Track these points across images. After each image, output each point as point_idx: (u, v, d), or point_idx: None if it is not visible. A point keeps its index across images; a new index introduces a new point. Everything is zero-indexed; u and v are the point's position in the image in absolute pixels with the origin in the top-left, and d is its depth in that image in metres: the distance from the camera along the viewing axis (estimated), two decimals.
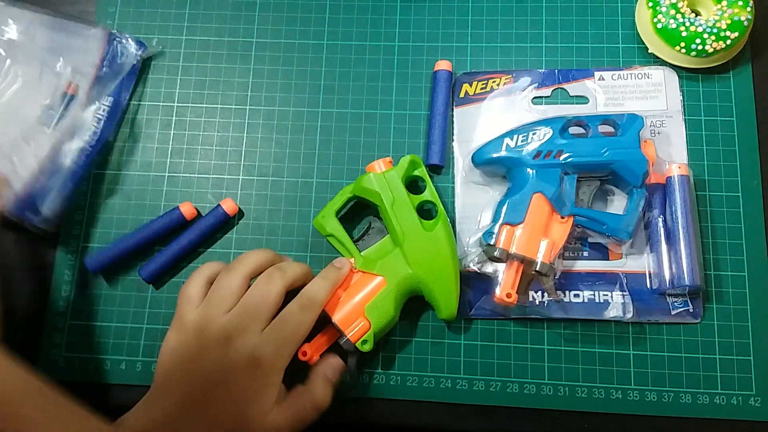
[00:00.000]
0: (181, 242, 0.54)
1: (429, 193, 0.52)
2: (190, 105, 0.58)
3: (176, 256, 0.54)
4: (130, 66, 0.57)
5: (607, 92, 0.56)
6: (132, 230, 0.54)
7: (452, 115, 0.57)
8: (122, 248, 0.54)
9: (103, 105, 0.56)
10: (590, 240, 0.53)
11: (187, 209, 0.54)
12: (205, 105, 0.58)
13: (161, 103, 0.58)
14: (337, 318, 0.49)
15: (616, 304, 0.51)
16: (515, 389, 0.51)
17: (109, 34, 0.58)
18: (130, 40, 0.58)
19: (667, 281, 0.50)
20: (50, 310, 0.54)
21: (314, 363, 0.49)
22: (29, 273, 0.55)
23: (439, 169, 0.55)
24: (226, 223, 0.55)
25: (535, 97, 0.56)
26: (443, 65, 0.56)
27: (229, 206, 0.54)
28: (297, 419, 0.45)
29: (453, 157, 0.56)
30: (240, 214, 0.56)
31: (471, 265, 0.51)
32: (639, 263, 0.52)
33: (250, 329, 0.45)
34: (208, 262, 0.50)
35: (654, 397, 0.50)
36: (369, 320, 0.49)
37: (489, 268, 0.51)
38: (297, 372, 0.47)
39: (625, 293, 0.51)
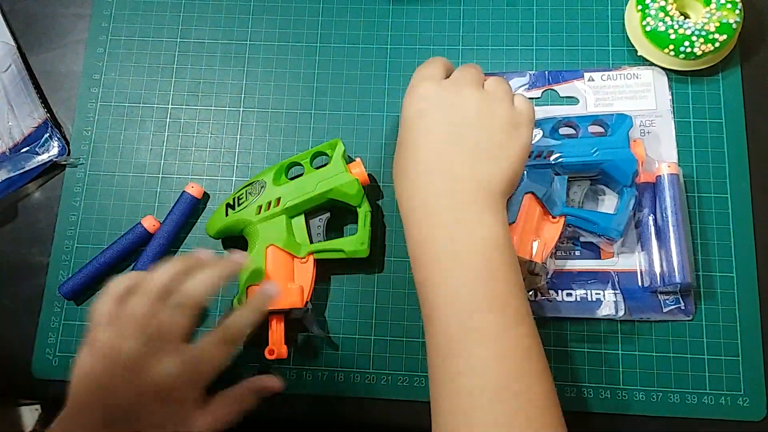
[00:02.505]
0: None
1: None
2: (184, 107, 0.59)
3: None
4: (40, 162, 0.57)
5: (596, 93, 0.56)
6: (103, 248, 0.55)
7: None
8: (91, 272, 0.54)
9: None
10: (582, 239, 0.53)
11: (149, 223, 0.55)
12: (199, 107, 0.59)
13: (155, 105, 0.59)
14: (272, 306, 0.49)
15: (609, 303, 0.51)
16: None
17: (45, 120, 0.58)
18: (56, 138, 0.57)
19: (659, 279, 0.51)
20: (44, 310, 0.55)
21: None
22: (23, 273, 0.56)
23: None
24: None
25: None
26: None
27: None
28: (223, 420, 0.45)
29: None
30: None
31: None
32: (630, 262, 0.53)
33: (160, 358, 0.42)
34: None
35: (642, 397, 0.51)
36: (297, 283, 0.51)
37: None
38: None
39: (617, 292, 0.52)
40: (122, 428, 0.41)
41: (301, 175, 0.53)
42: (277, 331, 0.51)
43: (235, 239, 0.54)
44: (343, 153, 0.52)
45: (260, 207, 0.52)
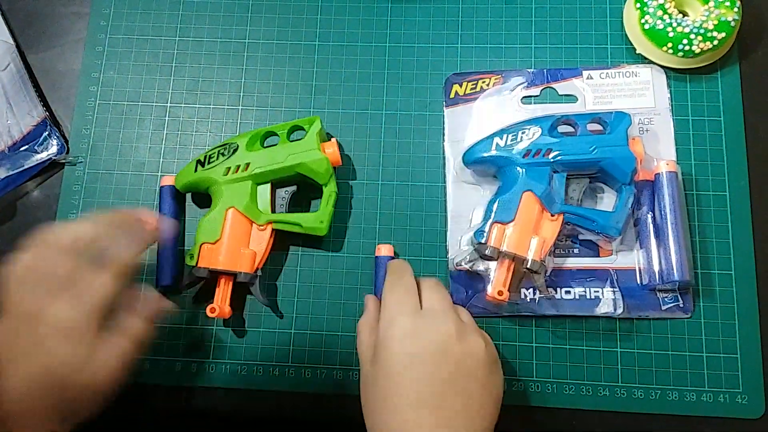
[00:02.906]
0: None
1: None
2: (182, 105, 0.59)
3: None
4: (38, 160, 0.57)
5: (595, 91, 0.56)
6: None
7: (443, 116, 0.57)
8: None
9: None
10: (581, 237, 0.53)
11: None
12: (197, 105, 0.59)
13: (154, 103, 0.59)
14: (221, 266, 0.51)
15: (607, 301, 0.51)
16: (504, 387, 0.51)
17: (44, 118, 0.58)
18: (55, 137, 0.58)
19: (657, 277, 0.51)
20: None
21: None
22: None
23: None
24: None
25: (524, 97, 0.57)
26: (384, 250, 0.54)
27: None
28: (117, 353, 0.43)
29: (444, 157, 0.56)
30: None
31: (463, 263, 0.52)
32: (629, 259, 0.53)
33: (44, 300, 0.41)
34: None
35: (641, 395, 0.51)
36: (250, 248, 0.52)
37: (480, 266, 0.52)
38: None
39: (615, 289, 0.52)
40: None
41: (275, 145, 0.54)
42: (223, 291, 0.52)
43: (202, 195, 0.55)
44: (319, 130, 0.53)
45: (228, 169, 0.53)
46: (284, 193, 0.54)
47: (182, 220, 0.56)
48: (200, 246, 0.52)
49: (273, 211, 0.53)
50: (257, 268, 0.52)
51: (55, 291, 0.42)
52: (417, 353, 0.44)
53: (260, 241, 0.53)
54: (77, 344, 0.42)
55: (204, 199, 0.55)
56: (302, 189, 0.55)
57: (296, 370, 0.53)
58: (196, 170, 0.53)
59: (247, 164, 0.53)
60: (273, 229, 0.53)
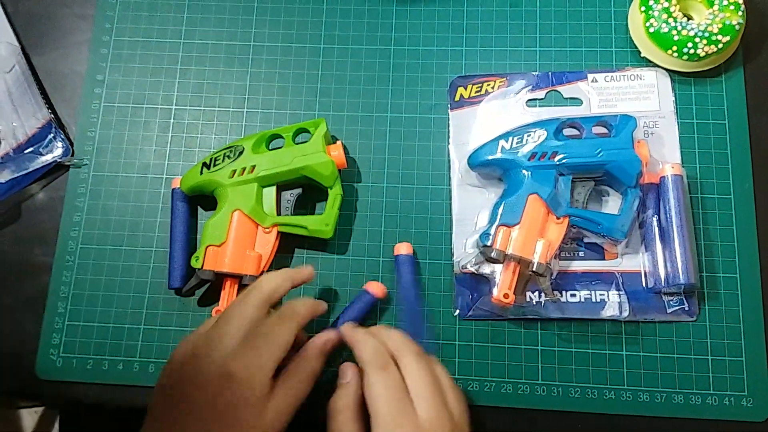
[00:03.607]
0: None
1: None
2: (188, 107, 0.59)
3: None
4: (43, 162, 0.57)
5: (600, 94, 0.56)
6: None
7: (448, 118, 0.57)
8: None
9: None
10: (586, 240, 0.53)
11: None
12: (202, 108, 0.59)
13: (159, 106, 0.59)
14: (227, 268, 0.51)
15: (613, 304, 0.52)
16: (509, 390, 0.52)
17: (49, 121, 0.58)
18: (60, 139, 0.57)
19: (663, 280, 0.51)
20: (48, 311, 0.55)
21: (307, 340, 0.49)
22: (28, 273, 0.56)
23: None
24: None
25: (529, 100, 0.57)
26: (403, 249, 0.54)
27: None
28: (290, 400, 0.44)
29: (449, 160, 0.56)
30: None
31: (468, 266, 0.52)
32: (634, 263, 0.53)
33: (223, 341, 0.43)
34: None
35: (647, 398, 0.51)
36: (255, 251, 0.52)
37: (486, 269, 0.52)
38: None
39: (621, 292, 0.52)
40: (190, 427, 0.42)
41: (281, 147, 0.54)
42: (228, 293, 0.52)
43: (207, 198, 0.55)
44: (324, 133, 0.53)
45: (234, 171, 0.53)
46: (289, 196, 0.54)
47: (194, 222, 0.56)
48: (206, 248, 0.52)
49: (278, 213, 0.53)
50: (263, 271, 0.52)
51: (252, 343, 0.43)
52: None
53: (266, 244, 0.53)
54: (257, 403, 0.42)
55: (208, 201, 0.55)
56: (307, 191, 0.55)
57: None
58: (201, 173, 0.53)
59: (253, 167, 0.53)
60: (278, 232, 0.53)
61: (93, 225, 0.56)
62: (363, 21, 0.60)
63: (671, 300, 0.52)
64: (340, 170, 0.54)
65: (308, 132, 0.54)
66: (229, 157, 0.53)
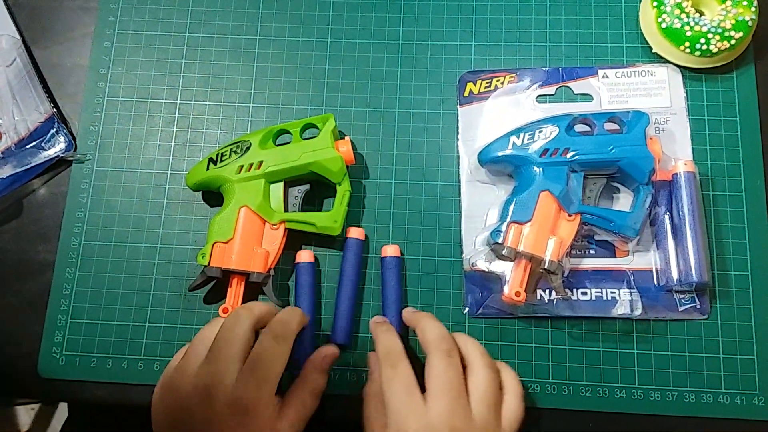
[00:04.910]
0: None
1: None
2: (192, 102, 0.58)
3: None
4: (46, 157, 0.56)
5: (611, 90, 0.56)
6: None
7: (457, 114, 0.56)
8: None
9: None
10: (597, 237, 0.53)
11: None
12: (208, 102, 0.58)
13: (164, 100, 0.58)
14: (234, 265, 0.51)
15: (624, 302, 0.51)
16: None
17: (51, 115, 0.57)
18: (62, 134, 0.57)
19: (675, 278, 0.50)
20: (50, 308, 0.54)
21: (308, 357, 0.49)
22: (30, 270, 0.55)
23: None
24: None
25: (539, 96, 0.56)
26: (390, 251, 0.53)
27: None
28: (300, 418, 0.45)
29: (458, 156, 0.56)
30: None
31: (478, 264, 0.51)
32: (646, 260, 0.52)
33: (226, 374, 0.42)
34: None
35: (658, 396, 0.50)
36: (263, 248, 0.51)
37: (496, 267, 0.51)
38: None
39: (632, 290, 0.51)
40: None
41: (288, 143, 0.53)
42: (235, 291, 0.52)
43: (212, 194, 0.55)
44: (333, 128, 0.53)
45: (241, 167, 0.52)
46: (297, 192, 0.53)
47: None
48: (212, 245, 0.51)
49: (286, 210, 0.53)
50: (270, 268, 0.52)
51: (256, 371, 0.43)
52: None
53: (273, 241, 0.52)
54: (263, 421, 0.42)
55: (214, 197, 0.55)
56: (314, 188, 0.54)
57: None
58: (208, 168, 0.53)
59: (260, 162, 0.52)
60: (286, 228, 0.52)
61: (96, 221, 0.55)
62: (371, 15, 0.59)
63: (683, 298, 0.51)
64: (348, 166, 0.53)
65: (316, 127, 0.54)
66: (235, 152, 0.52)
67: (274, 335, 0.44)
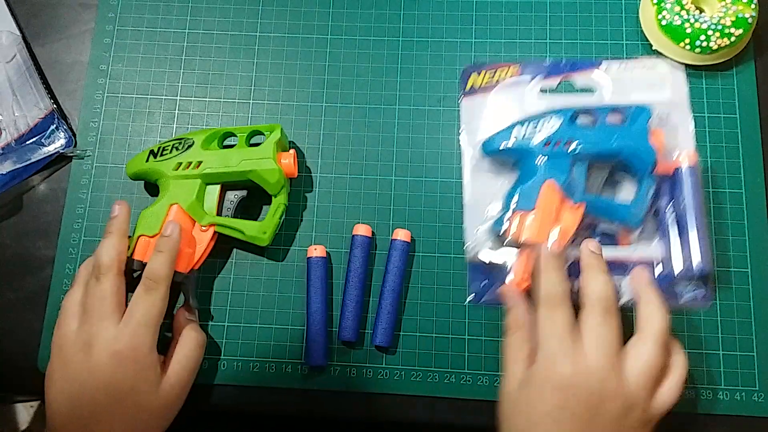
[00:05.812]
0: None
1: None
2: (192, 98, 0.58)
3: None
4: (46, 153, 0.56)
5: (613, 83, 0.56)
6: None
7: (458, 110, 0.56)
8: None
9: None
10: (599, 228, 0.53)
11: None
12: (207, 99, 0.58)
13: (164, 96, 0.58)
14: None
15: (626, 292, 0.51)
16: None
17: (51, 111, 0.57)
18: (62, 130, 0.57)
19: (677, 268, 0.50)
20: (50, 304, 0.54)
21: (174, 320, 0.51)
22: (30, 267, 0.55)
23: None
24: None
25: (542, 88, 0.56)
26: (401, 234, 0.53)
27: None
28: (187, 369, 0.48)
29: (459, 152, 0.56)
30: None
31: (480, 255, 0.51)
32: (648, 250, 0.52)
33: (101, 330, 0.45)
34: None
35: None
36: (188, 248, 0.51)
37: (499, 257, 0.51)
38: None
39: None
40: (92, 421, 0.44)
41: (232, 146, 0.53)
42: None
43: (156, 186, 0.54)
44: (277, 139, 0.52)
45: (179, 164, 0.52)
46: (233, 197, 0.53)
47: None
48: (138, 238, 0.50)
49: (219, 213, 0.52)
50: (192, 269, 0.51)
51: (109, 317, 0.46)
52: (567, 407, 0.42)
53: (200, 242, 0.51)
54: (147, 370, 0.45)
55: (157, 190, 0.54)
56: (255, 194, 0.53)
57: (311, 367, 0.52)
58: (147, 160, 0.52)
59: (199, 162, 0.51)
60: (216, 232, 0.52)
61: (96, 217, 0.55)
62: (371, 11, 0.59)
63: (684, 288, 0.51)
64: (291, 179, 0.53)
65: (263, 135, 0.53)
66: (177, 148, 0.52)
67: (146, 288, 0.47)
